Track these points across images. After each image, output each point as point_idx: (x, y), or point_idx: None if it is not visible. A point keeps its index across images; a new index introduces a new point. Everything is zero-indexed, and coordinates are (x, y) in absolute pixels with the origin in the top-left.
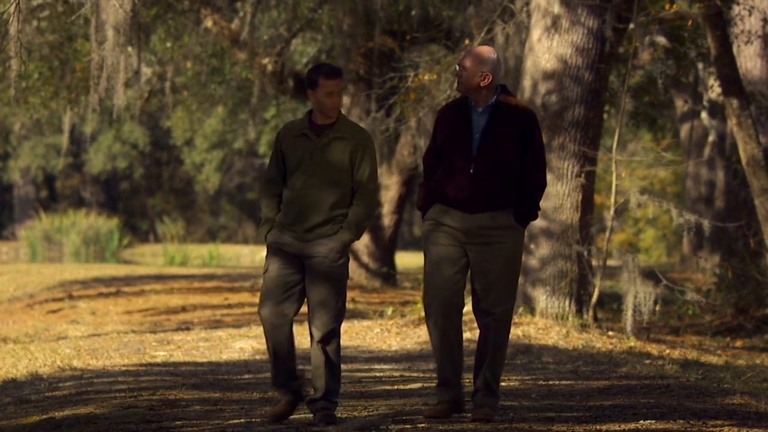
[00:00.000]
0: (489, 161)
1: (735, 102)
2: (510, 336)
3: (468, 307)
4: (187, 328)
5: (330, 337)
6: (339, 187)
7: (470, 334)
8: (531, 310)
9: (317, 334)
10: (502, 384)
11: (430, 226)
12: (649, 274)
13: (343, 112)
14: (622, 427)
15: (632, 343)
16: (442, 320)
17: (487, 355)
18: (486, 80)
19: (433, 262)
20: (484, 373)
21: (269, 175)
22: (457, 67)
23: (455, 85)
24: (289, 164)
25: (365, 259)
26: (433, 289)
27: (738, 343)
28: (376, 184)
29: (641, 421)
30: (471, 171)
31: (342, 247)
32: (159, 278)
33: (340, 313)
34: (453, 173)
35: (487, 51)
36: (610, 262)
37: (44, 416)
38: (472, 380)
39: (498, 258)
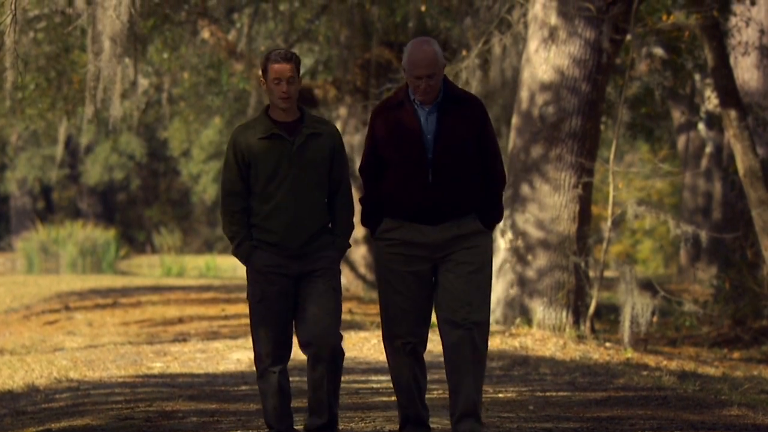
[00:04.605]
0: (447, 165)
1: (732, 113)
2: (506, 347)
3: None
4: (184, 340)
5: (335, 357)
6: (322, 189)
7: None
8: (528, 321)
9: (325, 351)
10: (499, 396)
11: (385, 248)
12: (647, 286)
13: (339, 123)
14: None
15: (629, 355)
16: (408, 357)
17: (469, 375)
18: (442, 75)
19: (394, 290)
20: (469, 396)
21: (232, 188)
22: (416, 80)
23: (420, 98)
24: (261, 172)
25: (362, 270)
26: (395, 320)
27: (735, 355)
28: (350, 183)
29: None
30: (429, 179)
31: (340, 259)
32: (156, 289)
33: (339, 330)
34: (407, 183)
35: (432, 44)
36: (607, 274)
37: (41, 428)
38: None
39: (468, 264)
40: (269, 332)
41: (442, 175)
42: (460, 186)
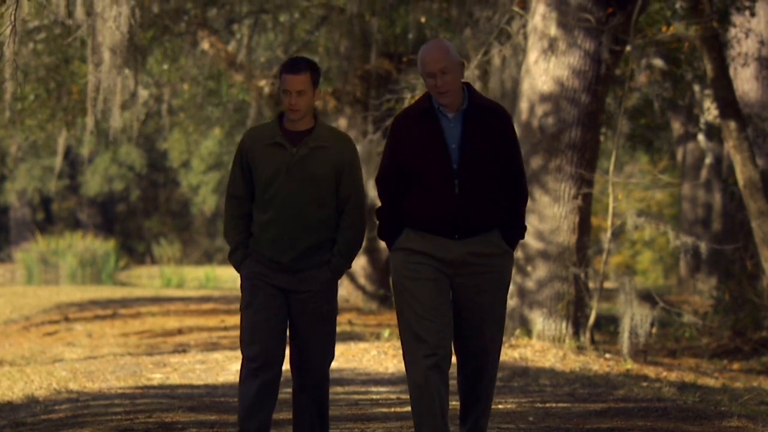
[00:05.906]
0: (473, 177)
1: (732, 124)
2: (506, 358)
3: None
4: (184, 351)
5: (321, 383)
6: (323, 206)
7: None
8: (528, 332)
9: (307, 380)
10: (499, 407)
11: (405, 257)
12: (646, 297)
13: None
14: None
15: (629, 366)
16: (433, 373)
17: (479, 406)
18: (462, 75)
19: (415, 299)
20: (475, 426)
21: (234, 192)
22: (430, 79)
23: (439, 99)
24: (260, 179)
25: (362, 281)
26: (418, 333)
27: (735, 366)
28: (364, 201)
29: None
30: (455, 191)
31: (335, 280)
32: (155, 300)
33: (330, 355)
34: (431, 195)
35: (441, 42)
36: (607, 285)
37: None
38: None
39: (491, 291)
40: (258, 337)
41: (469, 187)
42: (486, 199)
